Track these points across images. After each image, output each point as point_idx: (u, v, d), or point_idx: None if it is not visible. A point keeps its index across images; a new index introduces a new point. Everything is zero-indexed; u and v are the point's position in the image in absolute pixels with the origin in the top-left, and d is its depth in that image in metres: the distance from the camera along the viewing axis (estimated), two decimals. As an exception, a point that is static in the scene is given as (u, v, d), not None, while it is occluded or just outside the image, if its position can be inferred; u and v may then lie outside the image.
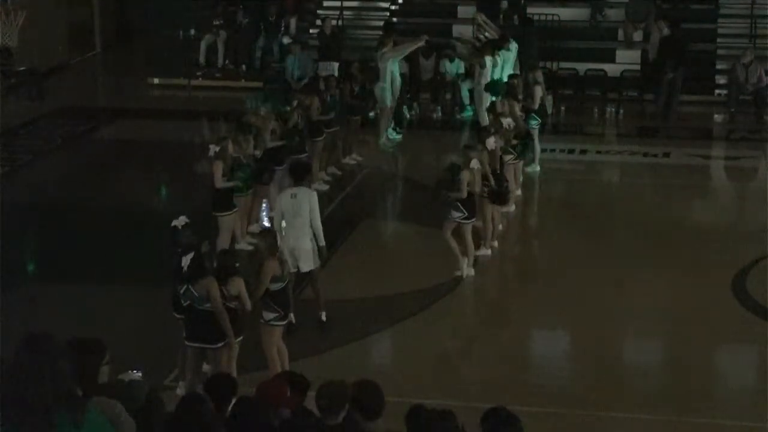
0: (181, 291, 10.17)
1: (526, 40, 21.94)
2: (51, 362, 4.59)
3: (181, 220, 10.89)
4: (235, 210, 14.13)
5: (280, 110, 16.46)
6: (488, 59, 19.48)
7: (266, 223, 15.77)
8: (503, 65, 20.08)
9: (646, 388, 11.46)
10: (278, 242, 11.32)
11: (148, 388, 7.06)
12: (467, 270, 14.04)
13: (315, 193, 12.72)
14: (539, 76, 18.33)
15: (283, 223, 12.38)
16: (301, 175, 12.71)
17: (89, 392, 5.30)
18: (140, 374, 7.07)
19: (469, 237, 14.03)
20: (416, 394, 10.02)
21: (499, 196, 14.68)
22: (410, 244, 15.60)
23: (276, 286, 10.72)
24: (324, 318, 12.58)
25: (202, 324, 10.19)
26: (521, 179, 17.31)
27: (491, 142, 14.61)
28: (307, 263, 12.30)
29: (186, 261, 10.16)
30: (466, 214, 13.88)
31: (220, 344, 10.24)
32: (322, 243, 12.29)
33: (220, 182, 13.89)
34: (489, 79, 19.03)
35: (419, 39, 21.11)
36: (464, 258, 14.03)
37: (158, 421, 6.86)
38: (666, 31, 22.91)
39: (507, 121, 15.83)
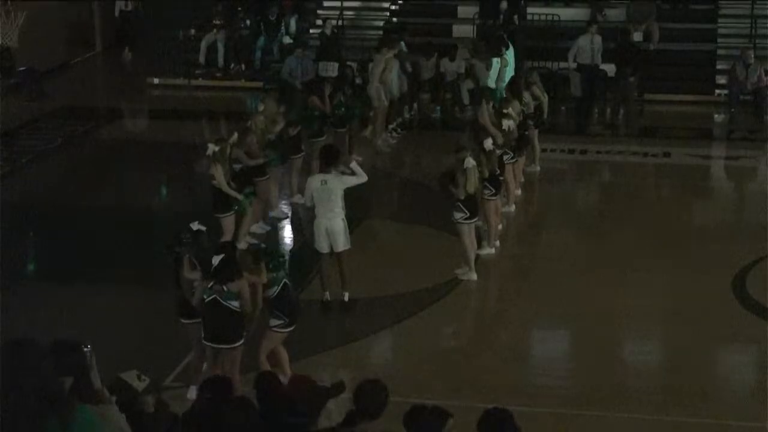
0: (209, 285, 10.19)
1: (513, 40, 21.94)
2: (32, 368, 4.52)
3: (195, 225, 10.88)
4: (235, 210, 14.17)
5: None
6: (495, 61, 19.57)
7: (267, 225, 15.78)
8: (511, 64, 20.18)
9: (646, 388, 11.47)
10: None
11: (154, 389, 7.09)
12: (470, 275, 14.01)
13: (344, 177, 13.05)
14: (535, 77, 18.37)
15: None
16: (331, 160, 13.01)
17: (85, 399, 5.10)
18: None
19: (468, 239, 13.99)
20: (416, 394, 10.01)
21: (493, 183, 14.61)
22: (411, 243, 15.57)
23: (271, 292, 10.68)
24: (346, 298, 13.06)
25: (222, 323, 10.23)
26: (521, 179, 17.32)
27: (488, 144, 14.58)
28: (341, 243, 12.89)
29: (216, 260, 10.18)
30: (468, 214, 13.85)
31: (236, 344, 10.28)
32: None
33: (225, 186, 13.93)
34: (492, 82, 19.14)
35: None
36: (466, 262, 13.99)
37: (165, 423, 6.89)
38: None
39: (508, 123, 15.81)
